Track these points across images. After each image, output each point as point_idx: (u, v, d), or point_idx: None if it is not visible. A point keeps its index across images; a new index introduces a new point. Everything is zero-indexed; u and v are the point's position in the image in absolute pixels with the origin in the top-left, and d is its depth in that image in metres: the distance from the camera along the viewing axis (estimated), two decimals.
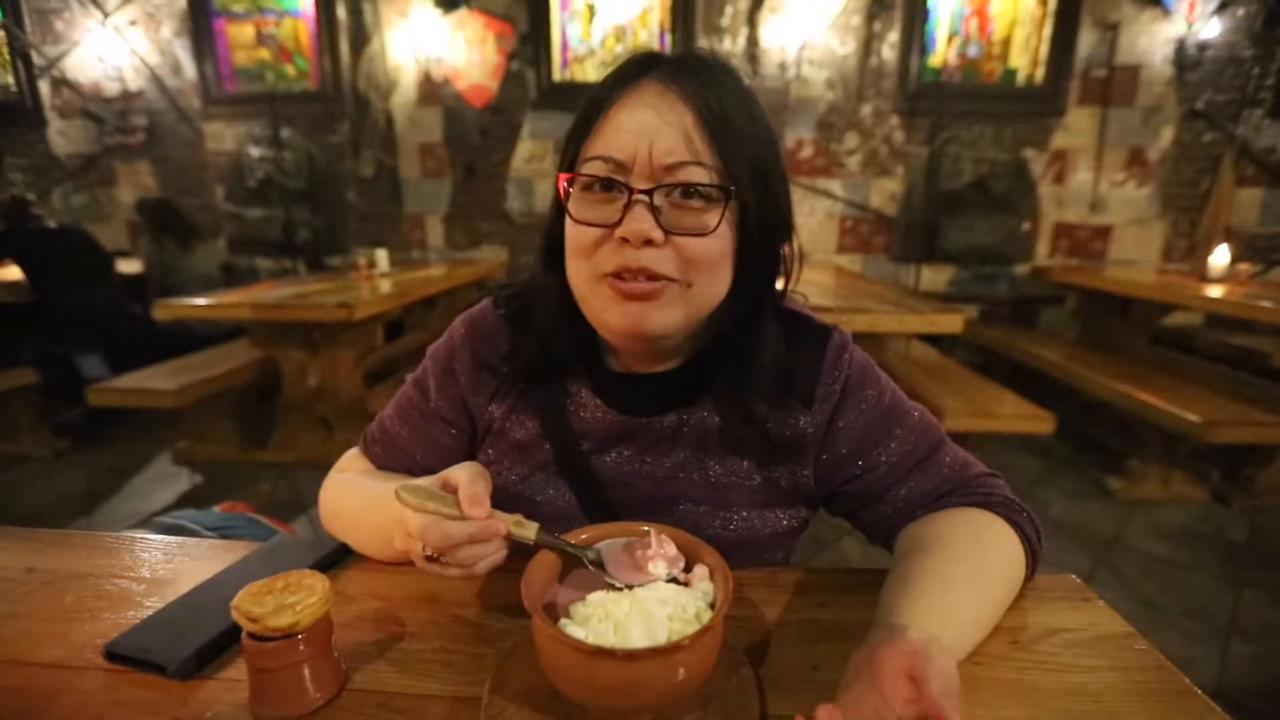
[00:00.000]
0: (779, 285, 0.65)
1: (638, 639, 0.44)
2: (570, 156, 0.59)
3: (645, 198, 0.54)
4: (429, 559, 0.52)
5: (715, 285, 0.59)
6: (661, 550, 0.52)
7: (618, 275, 0.56)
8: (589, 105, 0.58)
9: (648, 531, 0.53)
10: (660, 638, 0.44)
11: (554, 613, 0.49)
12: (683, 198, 0.55)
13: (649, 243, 0.54)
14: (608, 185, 0.56)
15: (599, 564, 0.52)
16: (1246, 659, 1.69)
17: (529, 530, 0.52)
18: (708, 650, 0.44)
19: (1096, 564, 2.14)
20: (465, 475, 0.53)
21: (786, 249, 0.63)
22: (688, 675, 0.43)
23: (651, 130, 0.54)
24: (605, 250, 0.56)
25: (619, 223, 0.55)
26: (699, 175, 0.54)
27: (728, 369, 0.64)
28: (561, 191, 0.58)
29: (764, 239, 0.59)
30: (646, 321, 0.57)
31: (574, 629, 0.45)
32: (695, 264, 0.56)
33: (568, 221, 0.59)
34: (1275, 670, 1.66)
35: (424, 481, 0.54)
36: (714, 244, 0.56)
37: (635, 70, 0.57)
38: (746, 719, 0.47)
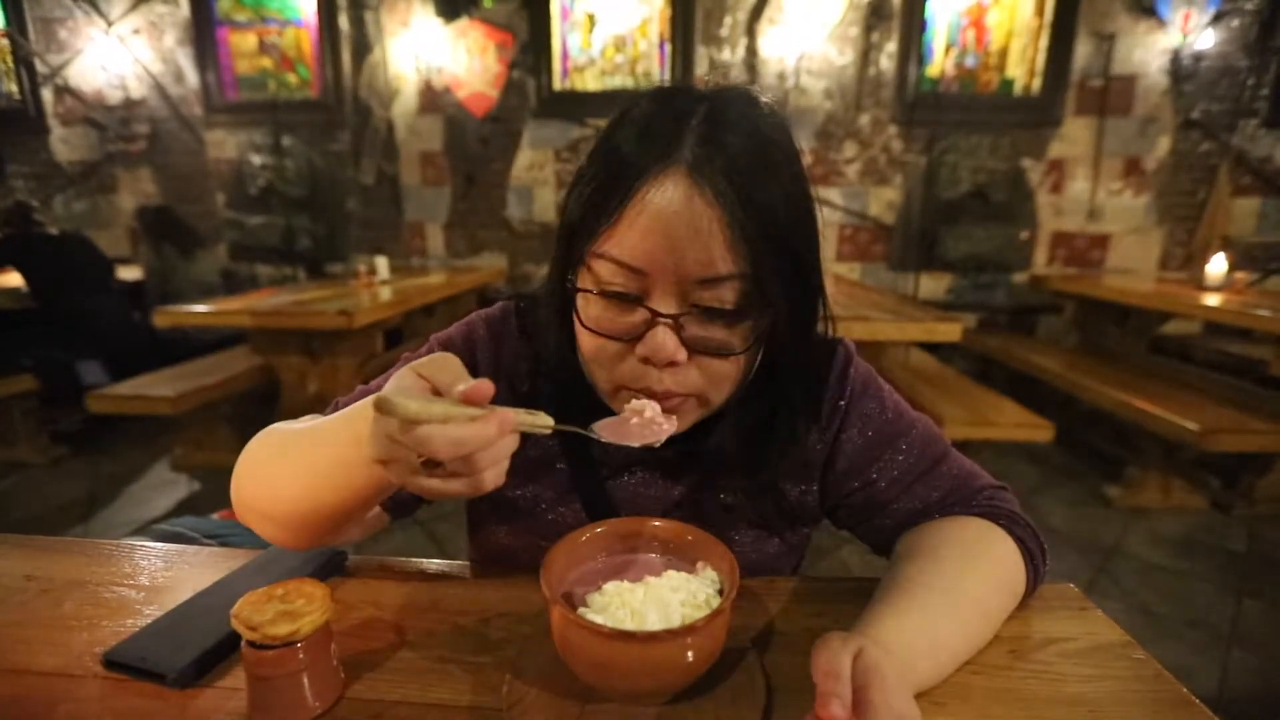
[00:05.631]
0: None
1: (654, 623, 0.47)
2: (586, 234, 0.52)
3: (670, 321, 0.50)
4: (426, 465, 0.42)
5: (735, 389, 0.57)
6: (654, 417, 0.52)
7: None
8: (611, 175, 0.50)
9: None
10: (675, 621, 0.47)
11: (571, 602, 0.51)
12: (709, 316, 0.51)
13: (671, 362, 0.52)
14: (627, 295, 0.51)
15: (598, 438, 0.52)
16: (1247, 668, 1.69)
17: (543, 419, 0.45)
18: (719, 632, 0.48)
19: (1096, 573, 2.13)
20: (451, 374, 0.42)
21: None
22: (701, 655, 0.47)
23: (678, 240, 0.48)
24: (626, 367, 0.54)
25: (639, 339, 0.52)
26: (729, 294, 0.50)
27: (743, 399, 0.62)
28: (569, 287, 0.54)
29: (797, 330, 0.56)
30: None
31: (593, 616, 0.48)
32: (717, 381, 0.54)
33: (579, 322, 0.54)
34: (1275, 680, 1.65)
35: (404, 386, 0.42)
36: (739, 360, 0.53)
37: (666, 141, 0.49)
38: (753, 697, 0.50)
